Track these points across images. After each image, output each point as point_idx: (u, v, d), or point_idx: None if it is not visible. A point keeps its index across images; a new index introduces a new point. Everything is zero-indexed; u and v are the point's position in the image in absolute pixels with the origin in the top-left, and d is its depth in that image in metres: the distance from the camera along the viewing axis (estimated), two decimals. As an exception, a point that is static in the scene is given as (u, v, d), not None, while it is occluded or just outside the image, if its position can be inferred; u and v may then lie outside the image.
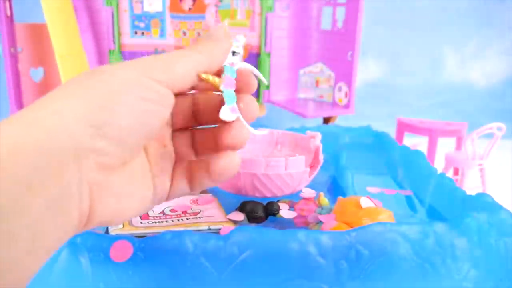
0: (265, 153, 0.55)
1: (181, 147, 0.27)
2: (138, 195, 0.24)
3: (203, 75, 0.24)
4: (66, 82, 0.21)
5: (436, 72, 1.58)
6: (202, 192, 0.44)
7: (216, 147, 0.26)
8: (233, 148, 0.24)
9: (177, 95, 0.23)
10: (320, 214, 0.40)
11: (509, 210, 0.34)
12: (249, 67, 0.26)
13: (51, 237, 0.18)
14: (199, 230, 0.34)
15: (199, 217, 0.37)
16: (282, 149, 0.55)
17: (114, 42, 1.60)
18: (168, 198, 0.26)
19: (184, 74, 0.23)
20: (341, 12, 1.60)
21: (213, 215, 0.37)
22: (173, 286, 0.29)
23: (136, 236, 0.30)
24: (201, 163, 0.26)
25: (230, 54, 0.26)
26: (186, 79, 0.23)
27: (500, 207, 0.34)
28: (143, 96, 0.21)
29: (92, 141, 0.19)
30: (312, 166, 0.48)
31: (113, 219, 0.22)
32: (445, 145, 1.61)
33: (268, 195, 0.45)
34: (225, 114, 0.24)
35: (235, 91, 0.24)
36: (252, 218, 0.39)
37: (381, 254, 0.29)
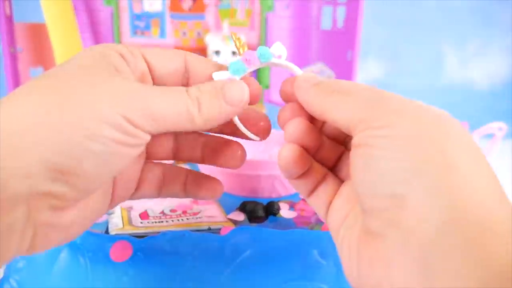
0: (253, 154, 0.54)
1: (159, 150, 0.26)
2: (93, 215, 0.22)
3: (233, 35, 0.22)
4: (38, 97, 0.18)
5: (436, 72, 1.58)
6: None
7: (202, 155, 0.26)
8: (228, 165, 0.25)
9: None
10: (320, 214, 0.40)
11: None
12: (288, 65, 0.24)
13: None
14: (199, 230, 0.34)
15: (199, 217, 0.37)
16: (268, 149, 0.53)
17: (114, 42, 1.60)
18: (131, 198, 0.25)
19: (167, 116, 0.20)
20: (341, 12, 1.59)
21: (213, 215, 0.37)
22: (173, 286, 0.29)
23: (136, 236, 0.30)
24: (178, 170, 0.26)
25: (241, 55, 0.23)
26: (172, 121, 0.20)
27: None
28: (114, 138, 0.19)
29: (51, 185, 0.18)
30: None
31: (59, 243, 0.21)
32: (445, 145, 1.60)
33: (283, 194, 0.45)
34: (220, 76, 0.22)
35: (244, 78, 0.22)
36: (252, 218, 0.38)
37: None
